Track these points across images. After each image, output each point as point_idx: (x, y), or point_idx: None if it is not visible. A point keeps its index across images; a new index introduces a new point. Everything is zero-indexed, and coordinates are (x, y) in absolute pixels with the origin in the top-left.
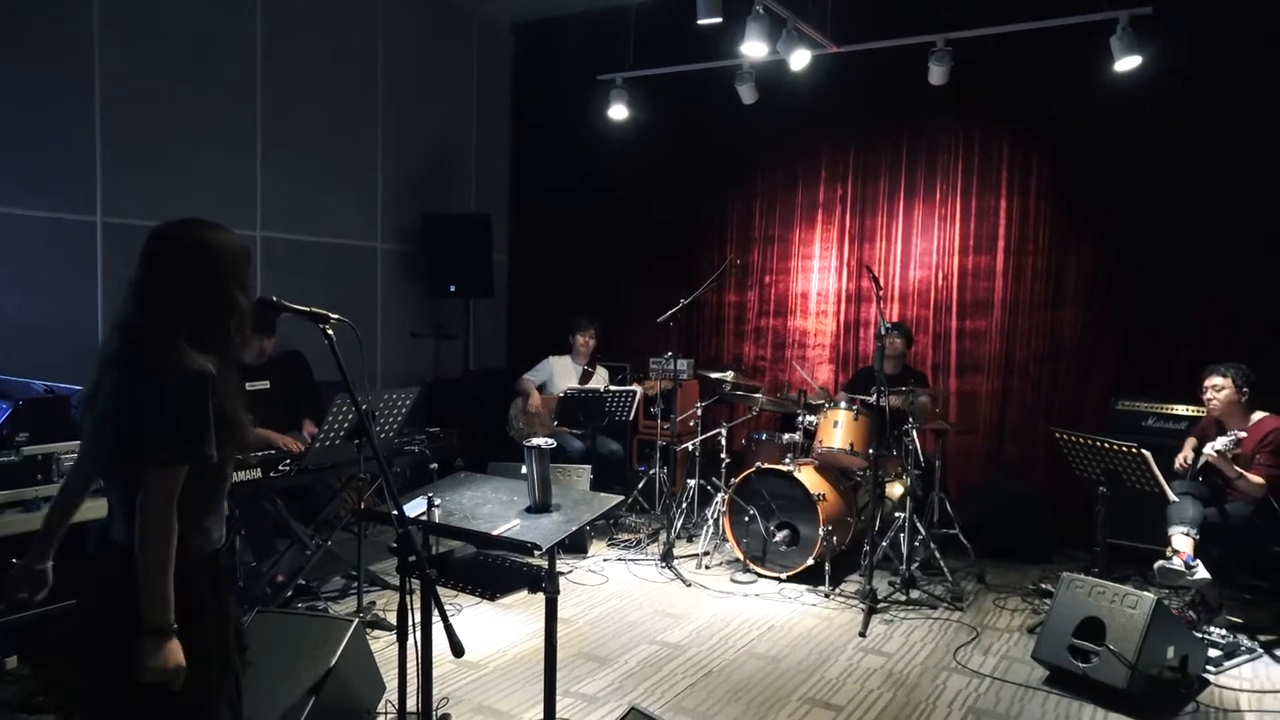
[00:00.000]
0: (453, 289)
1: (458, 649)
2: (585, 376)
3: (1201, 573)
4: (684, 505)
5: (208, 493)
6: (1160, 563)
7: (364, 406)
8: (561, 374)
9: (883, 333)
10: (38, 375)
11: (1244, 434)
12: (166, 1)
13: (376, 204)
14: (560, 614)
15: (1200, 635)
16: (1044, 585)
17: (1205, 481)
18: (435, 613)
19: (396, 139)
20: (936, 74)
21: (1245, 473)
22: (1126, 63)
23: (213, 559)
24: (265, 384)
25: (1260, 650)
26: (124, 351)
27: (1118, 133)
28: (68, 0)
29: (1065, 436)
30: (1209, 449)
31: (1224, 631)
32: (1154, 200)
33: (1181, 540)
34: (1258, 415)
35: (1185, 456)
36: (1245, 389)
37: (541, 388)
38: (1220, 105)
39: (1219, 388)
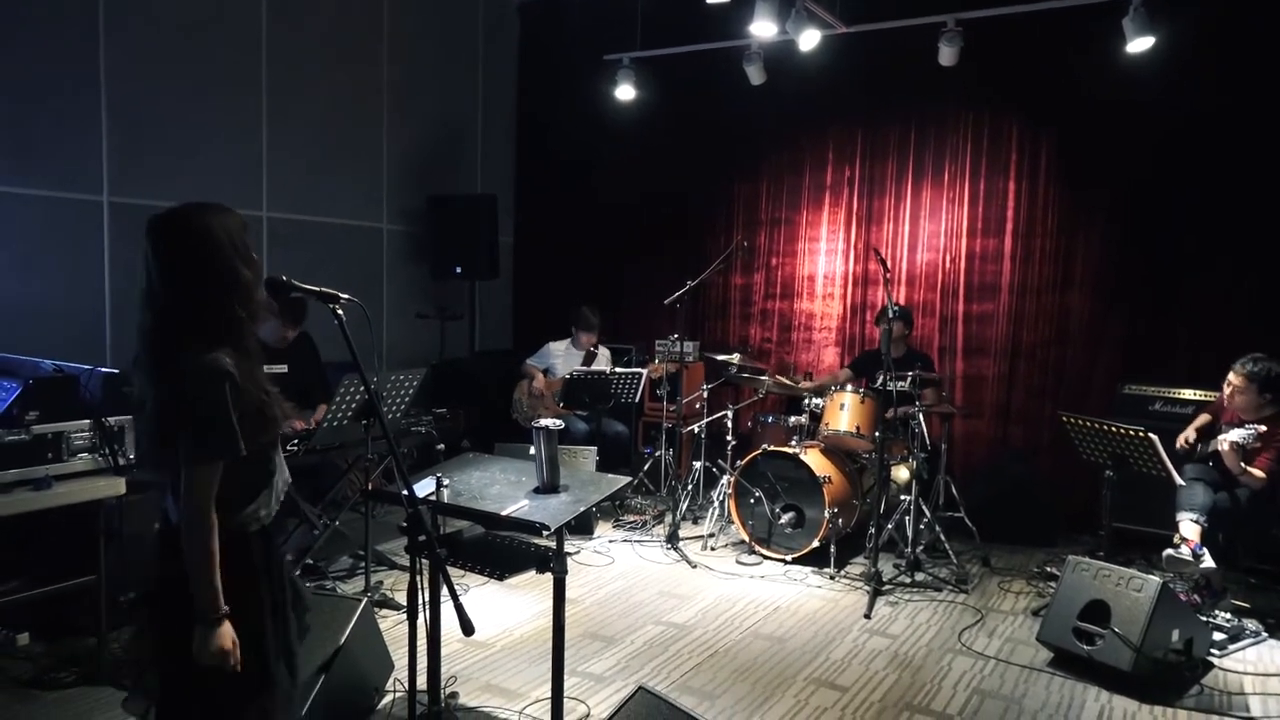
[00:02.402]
0: (458, 270)
1: (468, 628)
2: (589, 358)
3: (1208, 561)
4: (690, 487)
5: (253, 474)
6: (1168, 551)
7: (373, 387)
8: (563, 358)
9: (890, 316)
10: (45, 355)
11: (1263, 428)
12: None
13: (382, 185)
14: (567, 594)
15: (1205, 619)
16: (1049, 568)
17: (1215, 466)
18: (445, 592)
19: (402, 120)
20: (946, 55)
21: (1249, 468)
22: (1139, 44)
23: (263, 533)
24: (283, 368)
25: (1265, 634)
26: (144, 353)
27: (1128, 116)
28: None
29: (1073, 420)
30: (1224, 440)
31: (1229, 615)
32: (1164, 185)
33: (1189, 527)
34: (1272, 411)
35: (1187, 436)
36: (1267, 394)
37: (544, 373)
38: (1233, 89)
39: (1240, 389)
